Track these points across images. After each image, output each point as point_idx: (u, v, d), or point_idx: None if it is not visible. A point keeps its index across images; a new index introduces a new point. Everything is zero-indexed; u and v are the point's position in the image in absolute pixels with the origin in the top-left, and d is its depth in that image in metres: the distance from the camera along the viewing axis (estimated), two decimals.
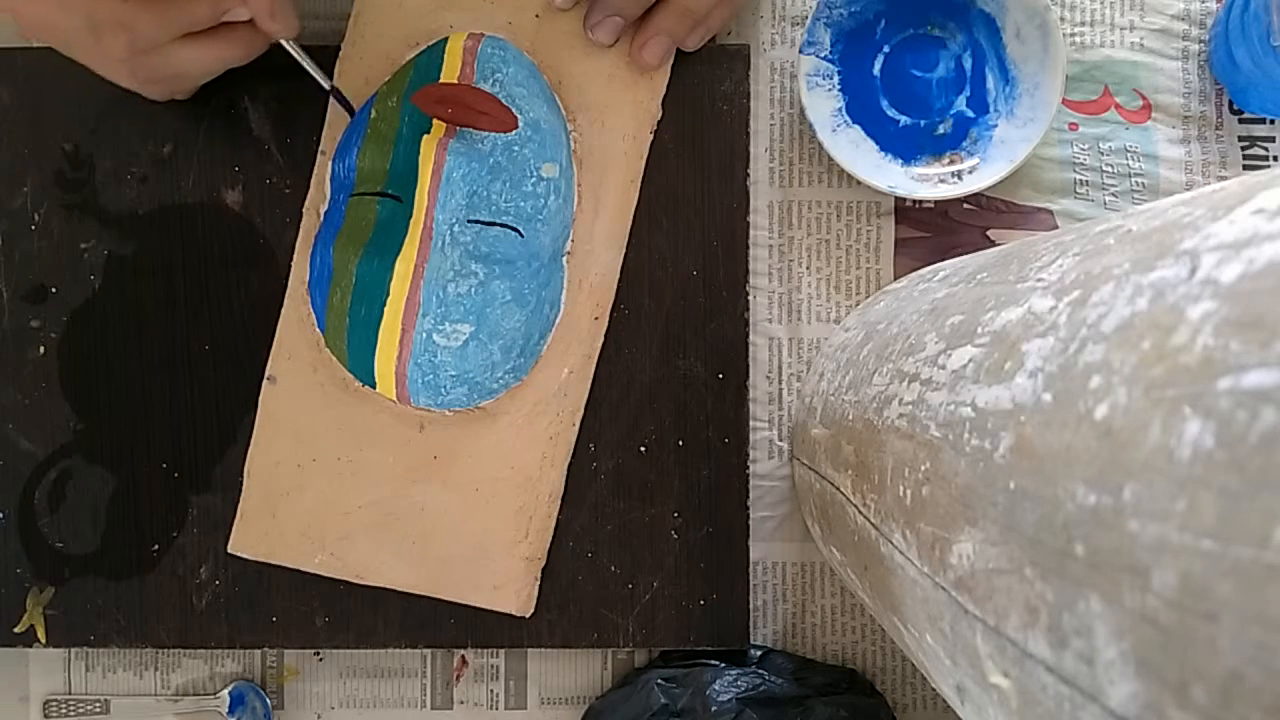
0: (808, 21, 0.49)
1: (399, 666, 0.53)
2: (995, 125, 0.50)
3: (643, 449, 0.50)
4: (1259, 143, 0.52)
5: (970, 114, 0.51)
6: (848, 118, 0.51)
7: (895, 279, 0.52)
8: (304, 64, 0.47)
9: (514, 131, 0.47)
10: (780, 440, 0.52)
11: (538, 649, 0.51)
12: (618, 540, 0.50)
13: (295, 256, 0.50)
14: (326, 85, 0.48)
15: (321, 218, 0.49)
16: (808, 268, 0.52)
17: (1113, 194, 0.52)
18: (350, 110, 0.49)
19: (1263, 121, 0.52)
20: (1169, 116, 0.52)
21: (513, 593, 0.49)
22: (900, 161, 0.51)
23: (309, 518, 0.49)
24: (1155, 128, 0.52)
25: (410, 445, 0.49)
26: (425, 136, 0.46)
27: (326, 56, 0.49)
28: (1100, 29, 0.52)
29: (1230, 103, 0.52)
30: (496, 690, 0.53)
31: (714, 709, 0.47)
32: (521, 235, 0.47)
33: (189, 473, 0.50)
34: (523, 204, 0.47)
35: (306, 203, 0.50)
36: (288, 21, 0.45)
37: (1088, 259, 0.23)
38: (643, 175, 0.50)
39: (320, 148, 0.50)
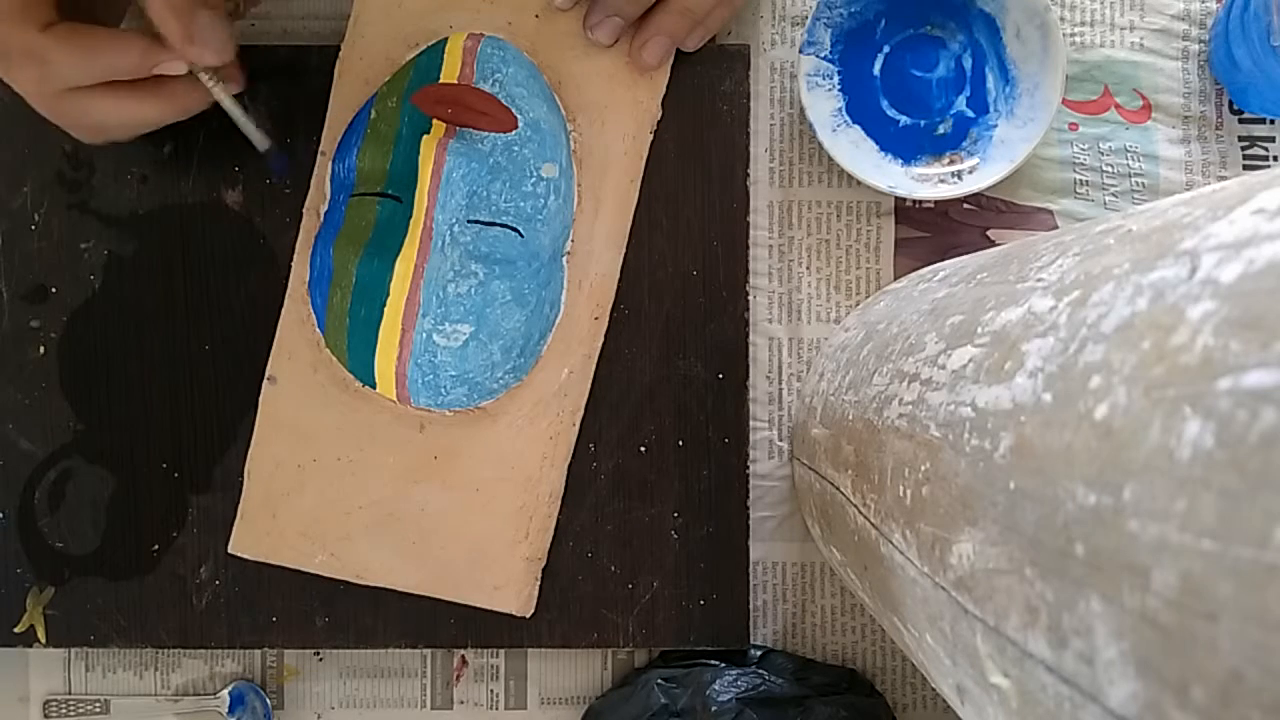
0: (808, 21, 0.49)
1: (399, 666, 0.53)
2: (995, 125, 0.50)
3: (643, 449, 0.50)
4: (1259, 143, 0.52)
5: (970, 114, 0.51)
6: (848, 118, 0.51)
7: (895, 279, 0.52)
8: (240, 121, 0.45)
9: (514, 131, 0.47)
10: (780, 440, 0.52)
11: (538, 649, 0.51)
12: (618, 540, 0.50)
13: (295, 256, 0.50)
14: (264, 146, 0.47)
15: (321, 218, 0.49)
16: (808, 268, 0.52)
17: (1113, 194, 0.52)
18: (285, 171, 0.48)
19: (1263, 121, 0.52)
20: (1169, 116, 0.52)
21: (513, 593, 0.49)
22: (900, 161, 0.51)
23: (309, 518, 0.49)
24: (1155, 128, 0.52)
25: (410, 445, 0.49)
26: (425, 137, 0.46)
27: (326, 56, 0.49)
28: (1100, 29, 0.52)
29: (1230, 103, 0.52)
30: (496, 690, 0.53)
31: (714, 709, 0.47)
32: (521, 235, 0.47)
33: (189, 473, 0.50)
34: (523, 204, 0.47)
35: (306, 203, 0.50)
36: (211, 44, 0.39)
37: (1088, 259, 0.23)
38: (643, 175, 0.50)
39: (320, 148, 0.49)
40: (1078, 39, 0.52)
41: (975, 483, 0.23)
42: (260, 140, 0.47)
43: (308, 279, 0.49)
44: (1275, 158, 0.52)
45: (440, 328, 0.46)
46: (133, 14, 0.43)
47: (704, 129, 0.50)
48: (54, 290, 0.50)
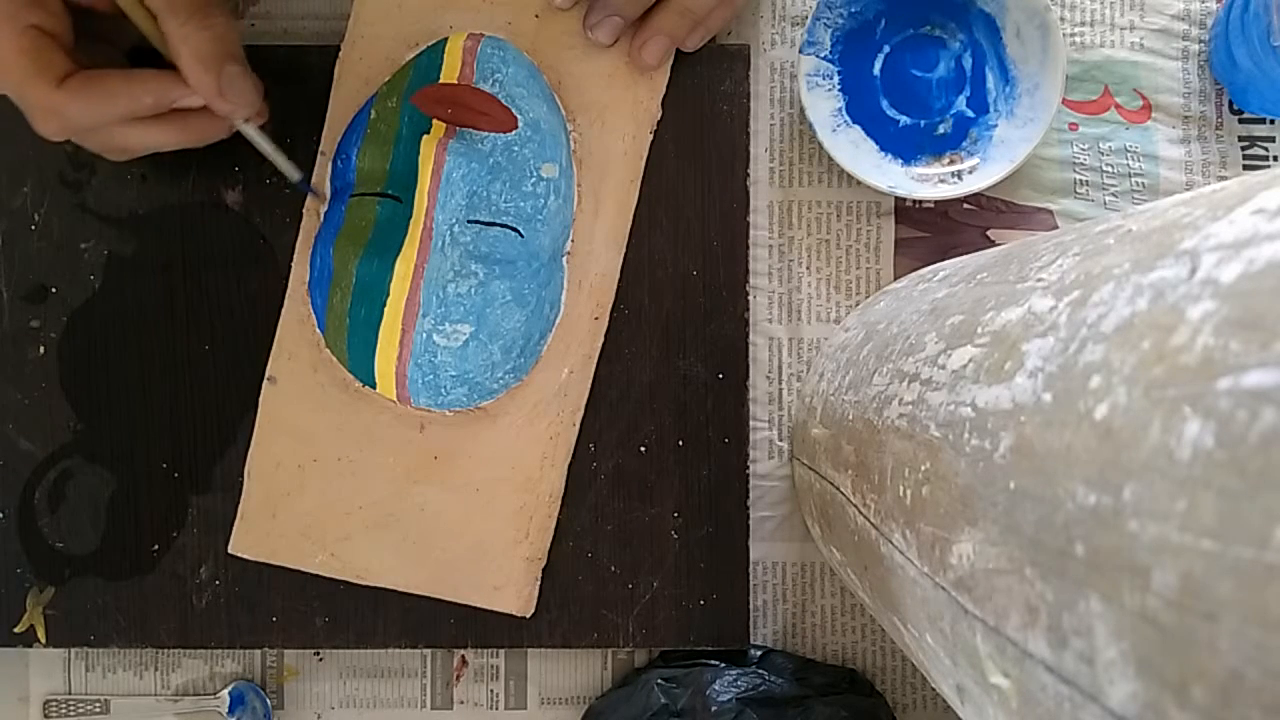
0: (808, 21, 0.49)
1: (399, 666, 0.53)
2: (995, 125, 0.50)
3: (643, 449, 0.50)
4: (1259, 143, 0.52)
5: (970, 114, 0.51)
6: (848, 118, 0.51)
7: (895, 279, 0.52)
8: (269, 153, 0.46)
9: (514, 132, 0.47)
10: (780, 440, 0.52)
11: (538, 649, 0.51)
12: (618, 540, 0.50)
13: (295, 256, 0.50)
14: (295, 176, 0.47)
15: (321, 218, 0.49)
16: (808, 268, 0.52)
17: (1113, 194, 0.52)
18: (321, 198, 0.49)
19: (1263, 121, 0.52)
20: (1169, 116, 0.52)
21: (513, 593, 0.49)
22: (900, 161, 0.51)
23: (309, 518, 0.49)
24: (1155, 128, 0.52)
25: (410, 446, 0.49)
26: (425, 137, 0.46)
27: (326, 56, 0.49)
28: (1100, 29, 0.52)
29: (1230, 103, 0.52)
30: (496, 690, 0.53)
31: (714, 709, 0.47)
32: (521, 235, 0.47)
33: (189, 473, 0.50)
34: (523, 204, 0.47)
35: (306, 203, 0.50)
36: (242, 100, 0.41)
37: (1088, 259, 0.23)
38: (643, 175, 0.50)
39: (320, 148, 0.49)
40: (1078, 39, 0.52)
41: (975, 483, 0.23)
42: (291, 170, 0.47)
43: (308, 279, 0.49)
44: (1275, 158, 0.52)
45: (440, 328, 0.46)
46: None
47: (704, 129, 0.50)
48: (54, 290, 0.50)
